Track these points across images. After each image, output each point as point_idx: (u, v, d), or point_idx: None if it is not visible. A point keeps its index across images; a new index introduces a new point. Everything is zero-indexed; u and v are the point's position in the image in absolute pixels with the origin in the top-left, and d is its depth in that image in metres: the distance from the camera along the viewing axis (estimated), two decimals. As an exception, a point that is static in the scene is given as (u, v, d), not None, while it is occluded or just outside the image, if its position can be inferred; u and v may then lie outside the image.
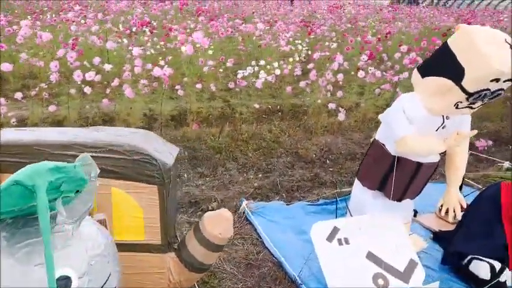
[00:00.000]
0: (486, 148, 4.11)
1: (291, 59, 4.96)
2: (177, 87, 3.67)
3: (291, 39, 6.15)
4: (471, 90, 1.76)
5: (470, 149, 4.31)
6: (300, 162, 3.69)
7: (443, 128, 1.99)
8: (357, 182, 2.27)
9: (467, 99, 1.80)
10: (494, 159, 3.92)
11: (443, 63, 1.83)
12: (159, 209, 1.53)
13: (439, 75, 1.84)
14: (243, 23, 7.07)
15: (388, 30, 7.96)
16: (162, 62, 3.34)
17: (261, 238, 2.45)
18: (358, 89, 4.80)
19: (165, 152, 1.58)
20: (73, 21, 5.35)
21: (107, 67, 3.46)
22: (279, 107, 4.65)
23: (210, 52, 4.64)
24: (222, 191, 3.19)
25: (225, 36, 5.94)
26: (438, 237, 2.51)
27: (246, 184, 3.35)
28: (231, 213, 1.63)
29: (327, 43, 6.06)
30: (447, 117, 1.97)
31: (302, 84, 4.36)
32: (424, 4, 31.80)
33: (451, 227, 2.48)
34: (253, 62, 4.76)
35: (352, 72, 4.60)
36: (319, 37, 7.19)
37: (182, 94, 3.64)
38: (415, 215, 2.45)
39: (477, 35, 1.74)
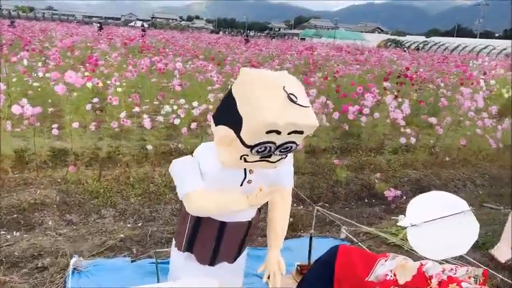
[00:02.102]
0: (394, 198, 3.88)
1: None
2: (54, 125, 3.42)
3: (232, 80, 6.00)
4: (249, 143, 1.51)
5: (380, 198, 4.16)
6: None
7: (248, 182, 1.73)
8: (173, 242, 1.99)
9: (251, 152, 1.55)
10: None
11: (227, 111, 1.60)
12: None
13: (224, 124, 1.60)
14: (189, 61, 6.96)
15: (336, 70, 7.91)
16: (25, 100, 3.09)
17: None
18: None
19: None
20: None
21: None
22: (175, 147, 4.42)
23: (119, 89, 4.43)
24: (79, 242, 2.87)
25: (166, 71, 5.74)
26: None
27: (114, 234, 3.04)
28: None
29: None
30: (251, 171, 1.71)
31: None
32: (407, 49, 32.72)
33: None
34: (172, 101, 4.56)
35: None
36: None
37: (57, 133, 3.38)
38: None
39: (254, 80, 1.51)
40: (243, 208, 1.69)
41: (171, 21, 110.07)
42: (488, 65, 10.09)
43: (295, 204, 3.92)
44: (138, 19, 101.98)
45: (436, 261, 2.03)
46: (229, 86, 1.62)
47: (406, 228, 2.13)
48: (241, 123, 1.51)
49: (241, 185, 1.71)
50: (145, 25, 58.34)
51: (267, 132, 1.49)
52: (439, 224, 2.14)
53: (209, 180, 1.66)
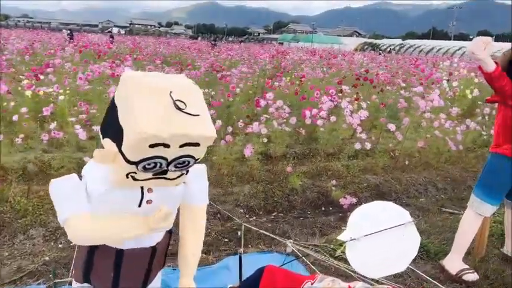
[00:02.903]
0: (350, 206, 3.70)
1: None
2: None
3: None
4: (132, 159, 1.29)
5: (337, 206, 3.98)
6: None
7: (148, 202, 1.51)
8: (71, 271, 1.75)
9: (137, 168, 1.33)
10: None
11: (110, 122, 1.38)
12: None
13: (108, 137, 1.38)
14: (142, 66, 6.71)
15: (303, 75, 7.77)
16: None
17: None
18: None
19: None
20: None
21: None
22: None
23: (61, 97, 4.16)
24: (-5, 267, 2.59)
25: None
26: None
27: (39, 257, 2.77)
28: None
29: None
30: (149, 190, 1.49)
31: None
32: (382, 52, 33.06)
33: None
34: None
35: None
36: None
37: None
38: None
39: (135, 85, 1.30)
40: (141, 233, 1.46)
41: (149, 27, 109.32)
42: (457, 66, 10.10)
43: (247, 216, 3.71)
44: (115, 25, 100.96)
45: (369, 282, 1.86)
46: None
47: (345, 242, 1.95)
48: (122, 135, 1.29)
49: (139, 206, 1.48)
50: (122, 31, 57.73)
51: (151, 146, 1.27)
52: (379, 237, 1.95)
53: (98, 202, 1.43)
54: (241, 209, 3.76)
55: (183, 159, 1.36)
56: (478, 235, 2.76)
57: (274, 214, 3.80)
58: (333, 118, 4.21)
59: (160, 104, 1.27)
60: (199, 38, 41.52)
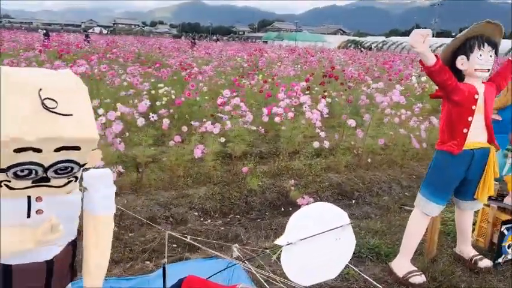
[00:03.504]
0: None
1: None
2: None
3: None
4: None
5: (297, 206, 3.86)
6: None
7: (38, 212, 1.36)
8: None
9: (7, 176, 1.20)
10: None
11: None
12: None
13: None
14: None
15: (275, 73, 7.67)
16: None
17: None
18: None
19: None
20: None
21: None
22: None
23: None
24: None
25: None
26: None
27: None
28: None
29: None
30: (38, 198, 1.35)
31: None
32: (364, 49, 33.17)
33: None
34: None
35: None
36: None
37: None
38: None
39: (3, 82, 1.16)
40: (28, 247, 1.33)
41: (133, 26, 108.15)
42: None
43: (201, 219, 3.58)
44: (98, 25, 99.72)
45: None
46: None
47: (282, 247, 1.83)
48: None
49: (28, 217, 1.34)
50: (105, 31, 56.95)
51: (17, 151, 1.14)
52: (314, 241, 1.84)
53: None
54: (196, 212, 3.63)
55: (63, 164, 1.22)
56: (429, 235, 2.67)
57: (230, 216, 3.67)
58: (290, 114, 4.09)
59: (26, 103, 1.14)
60: (183, 37, 41.18)
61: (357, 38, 52.53)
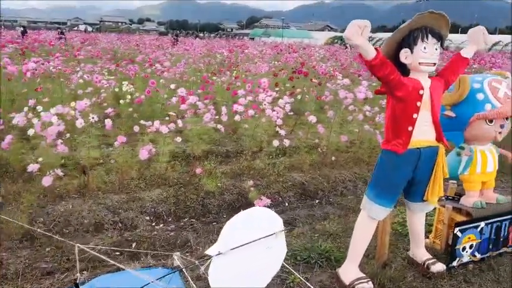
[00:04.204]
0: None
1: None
2: None
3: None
4: None
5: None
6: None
7: None
8: None
9: None
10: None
11: None
12: None
13: None
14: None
15: (249, 69, 7.51)
16: None
17: None
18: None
19: None
20: None
21: None
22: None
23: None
24: None
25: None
26: None
27: None
28: None
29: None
30: None
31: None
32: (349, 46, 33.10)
33: None
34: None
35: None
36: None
37: None
38: None
39: None
40: None
41: (120, 24, 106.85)
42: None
43: (153, 224, 3.40)
44: (85, 23, 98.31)
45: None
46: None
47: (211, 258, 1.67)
48: None
49: None
50: (90, 29, 56.08)
51: None
52: (245, 251, 1.68)
53: None
54: (148, 216, 3.45)
55: None
56: (379, 238, 2.54)
57: (184, 220, 3.50)
58: (251, 112, 3.93)
59: None
60: (170, 35, 40.69)
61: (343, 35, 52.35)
